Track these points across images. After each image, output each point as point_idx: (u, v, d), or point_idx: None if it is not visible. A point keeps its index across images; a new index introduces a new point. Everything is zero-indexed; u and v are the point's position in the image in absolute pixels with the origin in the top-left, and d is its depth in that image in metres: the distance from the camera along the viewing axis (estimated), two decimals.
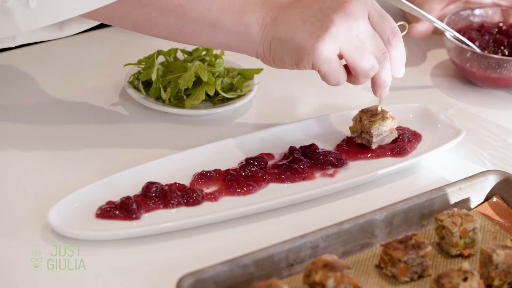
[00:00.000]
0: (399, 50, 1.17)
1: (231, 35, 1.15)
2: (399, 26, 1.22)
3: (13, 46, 1.22)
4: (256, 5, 1.14)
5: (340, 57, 1.14)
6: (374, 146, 1.24)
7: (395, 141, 1.26)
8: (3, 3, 1.10)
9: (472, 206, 1.16)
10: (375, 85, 1.18)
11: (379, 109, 1.25)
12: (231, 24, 1.14)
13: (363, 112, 1.26)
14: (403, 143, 1.26)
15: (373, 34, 1.14)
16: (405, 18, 1.61)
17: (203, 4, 1.14)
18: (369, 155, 1.24)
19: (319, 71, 1.14)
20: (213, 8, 1.14)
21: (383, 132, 1.24)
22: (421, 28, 1.48)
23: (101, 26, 1.41)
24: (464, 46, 1.41)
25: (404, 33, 1.22)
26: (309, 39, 1.11)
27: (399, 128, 1.28)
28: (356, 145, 1.26)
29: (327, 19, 1.11)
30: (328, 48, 1.11)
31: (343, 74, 1.14)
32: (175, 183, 1.16)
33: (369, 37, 1.14)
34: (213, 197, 1.15)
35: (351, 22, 1.12)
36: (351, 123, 1.26)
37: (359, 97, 1.39)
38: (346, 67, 1.16)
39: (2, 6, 1.10)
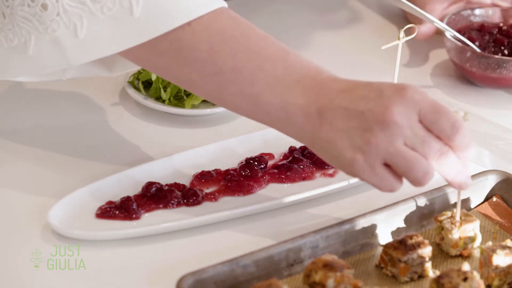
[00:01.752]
0: (464, 143, 1.02)
1: (272, 117, 1.04)
2: (408, 28, 1.22)
3: (63, 79, 1.18)
4: (304, 90, 1.02)
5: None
6: None
7: None
8: (52, 33, 1.05)
9: (472, 206, 1.16)
10: (446, 180, 1.04)
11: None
12: (272, 107, 1.03)
13: None
14: None
15: (425, 137, 1.00)
16: (405, 18, 1.61)
17: (246, 78, 1.03)
18: None
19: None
20: (256, 84, 1.03)
21: None
22: (424, 29, 1.48)
23: None
24: (464, 46, 1.41)
25: (412, 36, 1.22)
26: (349, 150, 1.00)
27: None
28: None
29: (366, 126, 0.99)
30: (368, 161, 0.99)
31: (394, 182, 1.01)
32: (175, 183, 1.16)
33: (420, 143, 1.00)
34: (213, 197, 1.15)
35: (394, 132, 0.98)
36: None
37: None
38: None
39: (51, 36, 1.05)
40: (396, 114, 0.98)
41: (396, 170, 1.00)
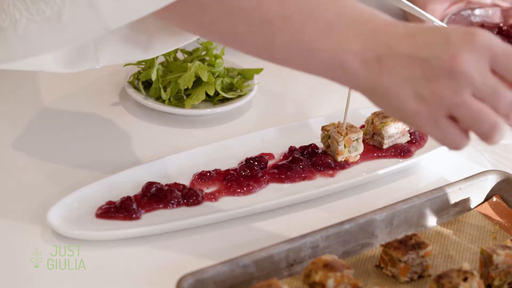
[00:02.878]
0: None
1: (325, 65, 0.97)
2: None
3: (97, 67, 1.12)
4: (359, 34, 0.95)
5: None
6: (385, 148, 1.25)
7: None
8: None
9: (472, 206, 1.16)
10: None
11: None
12: (325, 53, 0.96)
13: (376, 114, 1.26)
14: (409, 145, 1.26)
15: (496, 88, 0.93)
16: (405, 18, 1.61)
17: (295, 25, 0.97)
18: (370, 155, 1.25)
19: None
20: (306, 31, 0.96)
21: (394, 134, 1.25)
22: None
23: None
24: None
25: None
26: (412, 100, 0.94)
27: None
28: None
29: (432, 75, 0.93)
30: (433, 113, 0.93)
31: (460, 136, 0.95)
32: (175, 183, 1.16)
33: (490, 94, 0.93)
34: (213, 197, 1.15)
35: (461, 82, 0.92)
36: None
37: (360, 97, 1.38)
38: None
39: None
40: (465, 62, 0.92)
41: (462, 124, 0.94)
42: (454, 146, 0.95)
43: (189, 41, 1.13)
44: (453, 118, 0.94)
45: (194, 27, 1.03)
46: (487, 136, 0.94)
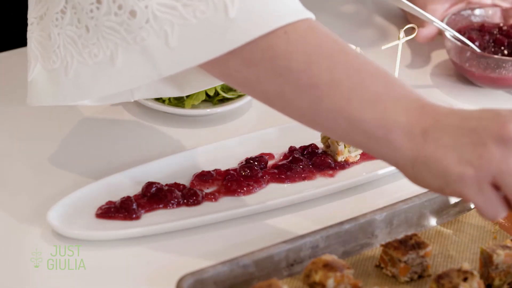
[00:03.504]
0: None
1: (369, 136, 0.96)
2: (408, 29, 1.22)
3: (131, 100, 1.13)
4: (407, 109, 0.95)
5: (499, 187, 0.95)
6: None
7: None
8: (141, 42, 0.98)
9: (472, 206, 1.16)
10: None
11: None
12: (370, 124, 0.95)
13: None
14: None
15: None
16: (405, 18, 1.61)
17: (343, 92, 0.96)
18: (370, 155, 1.25)
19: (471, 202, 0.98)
20: (353, 100, 0.96)
21: None
22: (425, 32, 1.48)
23: None
24: (463, 46, 1.41)
25: (412, 36, 1.22)
26: (457, 164, 0.93)
27: None
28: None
29: (479, 141, 0.93)
30: (478, 177, 0.93)
31: (499, 206, 0.94)
32: (175, 183, 1.16)
33: None
34: (213, 197, 1.15)
35: (509, 149, 0.92)
36: None
37: None
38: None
39: (140, 45, 0.98)
40: None
41: (504, 192, 0.94)
42: (493, 215, 0.95)
43: (221, 83, 1.14)
44: (496, 187, 0.93)
45: (239, 83, 1.02)
46: None
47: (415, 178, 0.97)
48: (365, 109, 0.96)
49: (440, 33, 1.48)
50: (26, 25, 1.09)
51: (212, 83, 1.15)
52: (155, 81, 1.08)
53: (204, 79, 1.14)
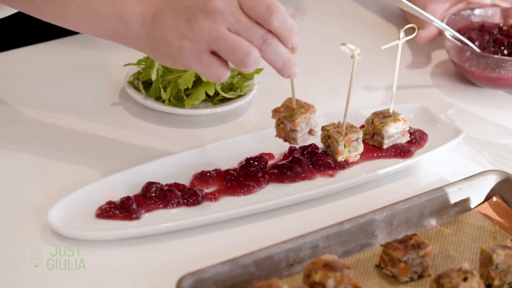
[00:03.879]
0: (281, 25, 1.07)
1: (112, 30, 1.12)
2: (408, 29, 1.22)
3: None
4: (140, 0, 1.11)
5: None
6: (385, 148, 1.25)
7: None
8: None
9: (472, 206, 1.16)
10: (276, 70, 1.10)
11: (390, 110, 1.25)
12: (111, 20, 1.11)
13: (376, 114, 1.26)
14: (409, 145, 1.26)
15: (247, 24, 1.07)
16: (404, 17, 1.61)
17: None
18: (370, 155, 1.25)
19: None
20: (94, 0, 1.12)
21: (394, 134, 1.25)
22: (426, 34, 1.48)
23: None
24: (463, 46, 1.41)
25: (413, 35, 1.22)
26: (176, 39, 1.08)
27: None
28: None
29: (191, 16, 1.07)
30: (195, 48, 1.07)
31: (221, 69, 1.08)
32: (175, 183, 1.16)
33: (243, 29, 1.07)
34: (213, 197, 1.15)
35: (216, 18, 1.06)
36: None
37: (360, 97, 1.39)
38: None
39: None
40: (217, 1, 1.06)
41: (221, 55, 1.07)
42: (216, 78, 1.08)
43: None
44: (214, 53, 1.07)
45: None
46: (243, 63, 1.06)
47: (158, 59, 1.12)
48: (105, 6, 1.11)
49: (440, 33, 1.48)
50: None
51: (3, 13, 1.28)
52: None
53: None
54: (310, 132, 1.20)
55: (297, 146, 1.21)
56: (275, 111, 1.19)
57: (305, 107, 1.19)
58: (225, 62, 1.08)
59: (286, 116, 1.18)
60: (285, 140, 1.20)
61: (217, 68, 1.08)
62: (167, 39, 1.08)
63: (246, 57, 1.06)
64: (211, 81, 1.11)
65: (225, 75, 1.09)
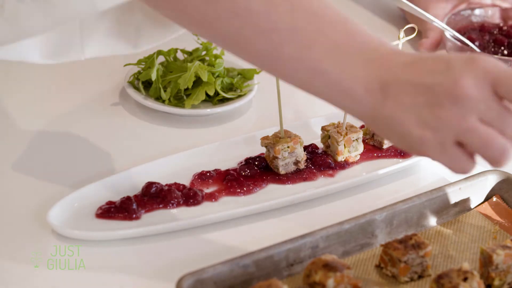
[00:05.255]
0: None
1: (329, 88, 0.95)
2: (408, 29, 1.22)
3: (82, 59, 1.09)
4: (366, 61, 0.94)
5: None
6: (385, 148, 1.25)
7: None
8: None
9: (472, 206, 1.16)
10: None
11: None
12: (329, 77, 0.94)
13: None
14: None
15: (502, 111, 0.91)
16: (404, 17, 1.61)
17: (304, 39, 0.94)
18: (370, 155, 1.25)
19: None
20: (314, 49, 0.94)
21: None
22: (429, 42, 1.48)
23: None
24: (463, 46, 1.41)
25: (413, 36, 1.22)
26: (416, 127, 0.92)
27: None
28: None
29: (435, 101, 0.91)
30: (439, 139, 0.92)
31: (467, 161, 0.93)
32: (175, 183, 1.16)
33: (496, 117, 0.91)
34: (213, 197, 1.15)
35: (466, 107, 0.91)
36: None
37: None
38: None
39: None
40: (468, 87, 0.90)
41: (470, 149, 0.93)
42: (462, 171, 0.94)
43: (176, 34, 1.12)
44: (459, 144, 0.93)
45: (194, 20, 0.97)
46: (496, 161, 0.92)
47: (378, 132, 0.97)
48: (326, 59, 0.94)
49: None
50: None
51: (165, 34, 1.12)
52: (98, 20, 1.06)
53: (157, 31, 1.11)
54: (297, 163, 1.20)
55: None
56: (263, 139, 1.20)
57: (291, 137, 1.19)
58: (471, 153, 0.94)
59: (271, 143, 1.19)
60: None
61: (463, 160, 0.93)
62: (403, 122, 0.92)
63: (501, 156, 0.92)
64: (456, 173, 0.95)
65: (471, 168, 0.94)
